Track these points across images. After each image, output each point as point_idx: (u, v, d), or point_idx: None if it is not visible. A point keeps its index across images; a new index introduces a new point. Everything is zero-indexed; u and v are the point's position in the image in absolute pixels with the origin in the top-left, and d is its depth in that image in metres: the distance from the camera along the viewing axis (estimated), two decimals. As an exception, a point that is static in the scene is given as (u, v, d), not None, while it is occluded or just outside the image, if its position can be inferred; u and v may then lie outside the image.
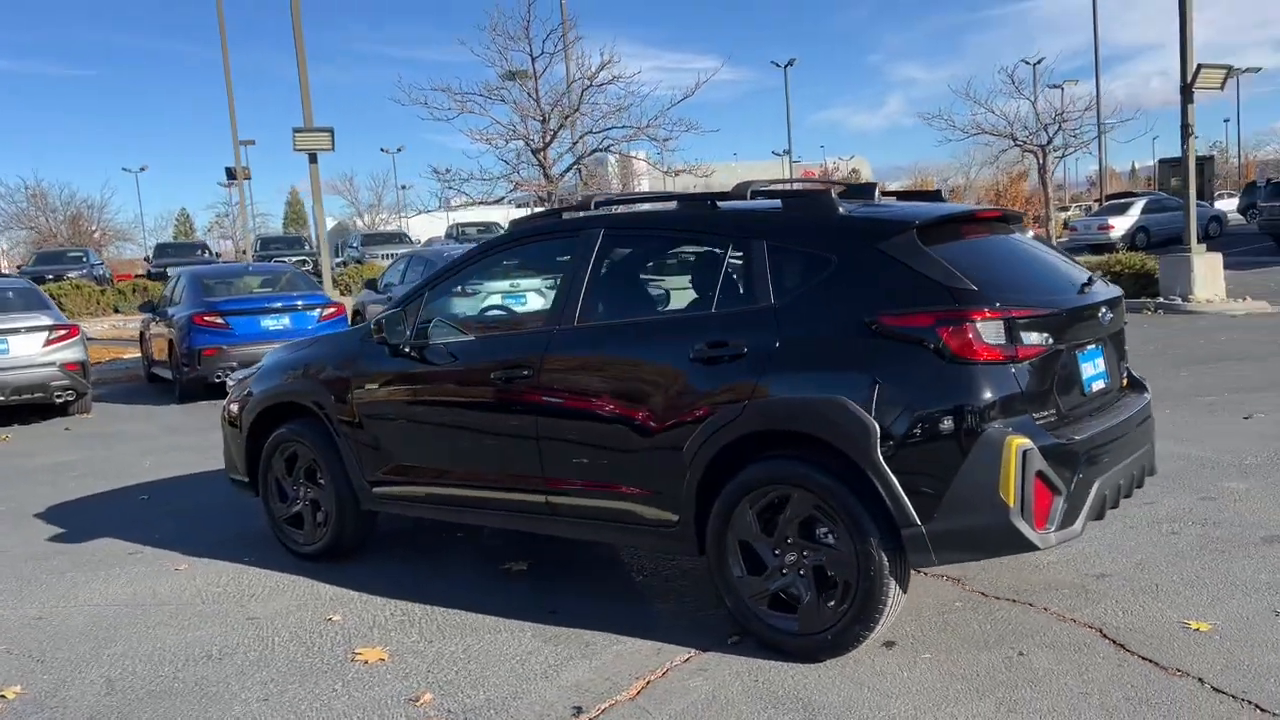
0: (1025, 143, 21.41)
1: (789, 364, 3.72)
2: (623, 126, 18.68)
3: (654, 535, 4.20)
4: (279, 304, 12.82)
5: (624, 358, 4.20)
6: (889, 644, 3.86)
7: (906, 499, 3.46)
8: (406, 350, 4.87)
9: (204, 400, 12.26)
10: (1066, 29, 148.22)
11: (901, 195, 4.62)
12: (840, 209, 3.95)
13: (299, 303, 12.94)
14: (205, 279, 13.67)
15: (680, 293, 4.40)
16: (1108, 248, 24.84)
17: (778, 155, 67.04)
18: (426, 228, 58.89)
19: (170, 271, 19.58)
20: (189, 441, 9.61)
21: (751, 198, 4.29)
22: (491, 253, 5.04)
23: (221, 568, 5.45)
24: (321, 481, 5.34)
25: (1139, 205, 34.80)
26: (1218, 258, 16.99)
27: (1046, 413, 3.61)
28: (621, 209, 4.67)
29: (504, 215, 51.43)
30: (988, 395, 3.44)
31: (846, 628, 3.65)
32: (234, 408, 5.83)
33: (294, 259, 32.81)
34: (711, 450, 3.86)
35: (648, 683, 3.70)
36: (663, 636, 4.10)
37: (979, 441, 3.42)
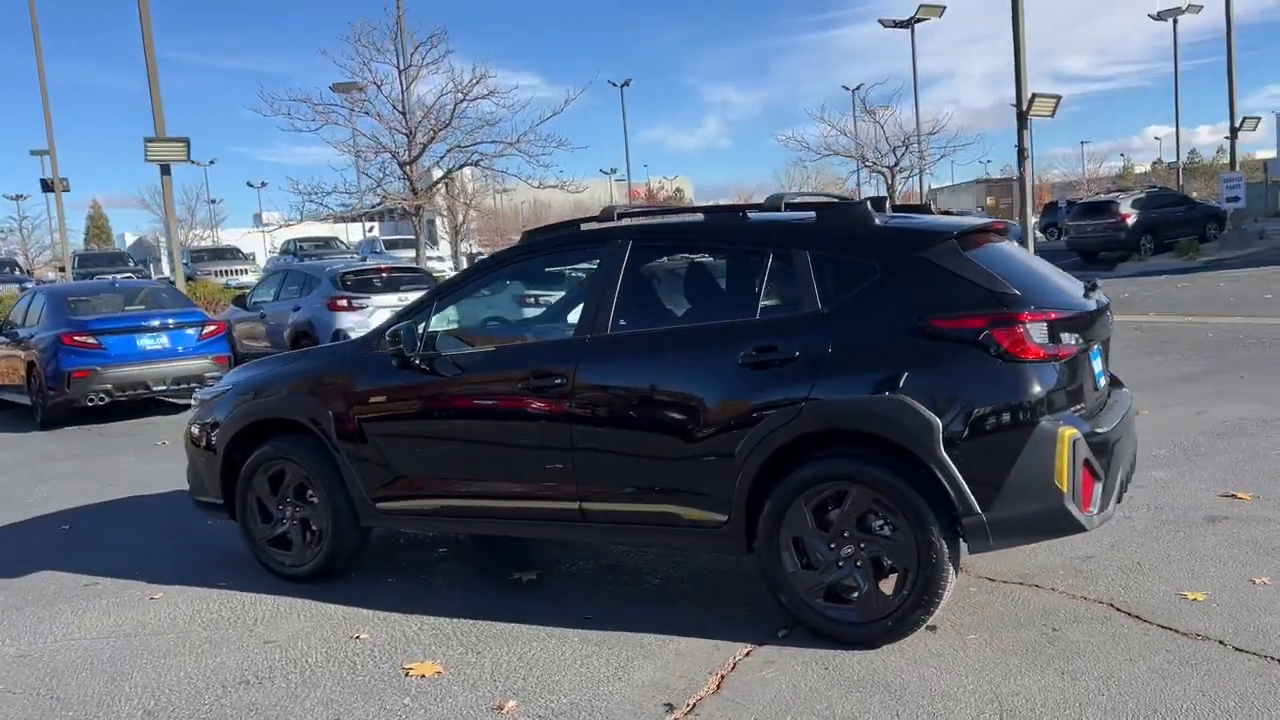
0: (874, 164, 22.67)
1: (842, 366, 3.93)
2: (493, 141, 18.64)
3: (696, 536, 4.32)
4: (155, 322, 12.14)
5: (666, 365, 4.31)
6: (932, 628, 4.11)
7: (968, 489, 3.73)
8: (417, 362, 4.82)
9: (72, 426, 11.54)
10: (866, 59, 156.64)
11: (897, 209, 4.91)
12: (877, 220, 4.20)
13: (174, 320, 12.30)
14: (68, 297, 12.81)
15: (712, 301, 4.53)
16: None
17: (605, 174, 68.05)
18: (250, 243, 56.67)
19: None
20: (76, 468, 9.09)
21: (785, 209, 4.49)
22: (503, 264, 5.05)
23: (203, 594, 5.21)
24: (313, 499, 5.20)
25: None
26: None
27: (1079, 407, 3.96)
28: (649, 220, 4.80)
29: (341, 230, 50.14)
30: (1038, 391, 3.75)
31: (907, 614, 3.88)
32: (200, 428, 5.59)
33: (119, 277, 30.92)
34: (766, 451, 4.02)
35: (722, 677, 3.82)
36: (711, 634, 4.22)
37: (1034, 433, 3.72)
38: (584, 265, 4.85)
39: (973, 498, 3.73)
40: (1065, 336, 3.91)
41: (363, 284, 13.73)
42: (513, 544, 5.71)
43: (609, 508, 4.45)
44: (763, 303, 4.22)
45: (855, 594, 3.99)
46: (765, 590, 4.21)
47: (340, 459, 5.06)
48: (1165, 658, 3.74)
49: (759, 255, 4.29)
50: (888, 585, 3.99)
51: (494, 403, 4.70)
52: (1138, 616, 4.13)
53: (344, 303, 13.34)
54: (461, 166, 19.82)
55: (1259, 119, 37.76)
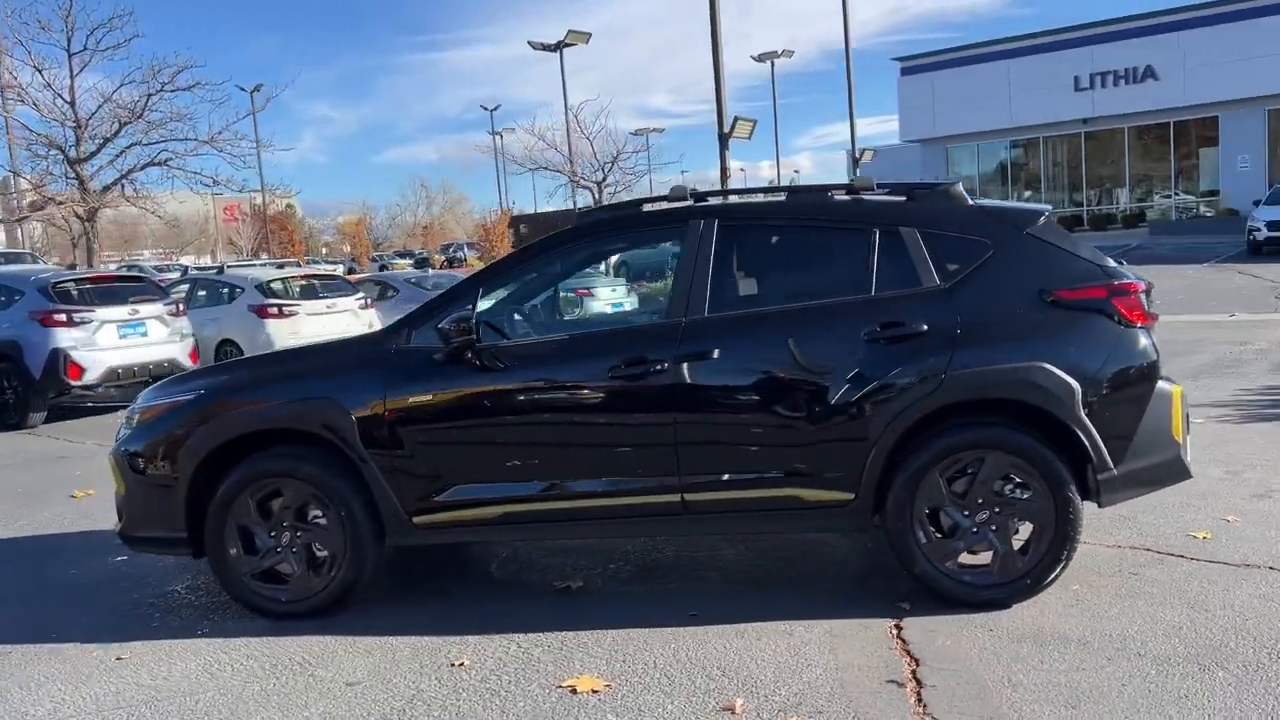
0: (582, 179, 23.14)
1: (977, 338, 4.09)
2: (185, 139, 16.76)
3: (820, 517, 4.29)
4: None
5: (783, 345, 4.23)
6: (1034, 584, 4.37)
7: (1104, 447, 4.03)
8: (469, 356, 4.34)
9: None
10: (472, 83, 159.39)
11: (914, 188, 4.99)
12: (970, 201, 4.42)
13: None
14: None
15: (816, 281, 4.48)
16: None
17: (207, 186, 63.42)
18: None
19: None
20: None
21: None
22: (557, 248, 4.65)
23: (189, 646, 4.34)
24: (321, 520, 4.50)
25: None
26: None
27: None
28: (732, 200, 4.66)
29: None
30: (1153, 353, 4.15)
31: (1046, 570, 4.11)
32: (147, 447, 4.63)
33: None
34: (904, 425, 4.09)
35: (909, 653, 3.82)
36: (837, 614, 4.19)
37: (1156, 392, 4.11)
38: (667, 247, 4.60)
39: (1108, 455, 4.04)
40: (1151, 304, 4.34)
41: (82, 294, 11.85)
42: (525, 552, 5.29)
43: (718, 497, 4.28)
44: (877, 280, 4.27)
45: (991, 557, 4.15)
46: (832, 570, 4.28)
47: (368, 471, 4.42)
48: (1230, 580, 4.29)
49: (865, 234, 4.34)
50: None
51: (575, 395, 4.34)
52: (1180, 555, 4.67)
53: (61, 317, 11.43)
54: (145, 166, 17.61)
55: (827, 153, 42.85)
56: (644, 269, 17.82)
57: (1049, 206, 4.53)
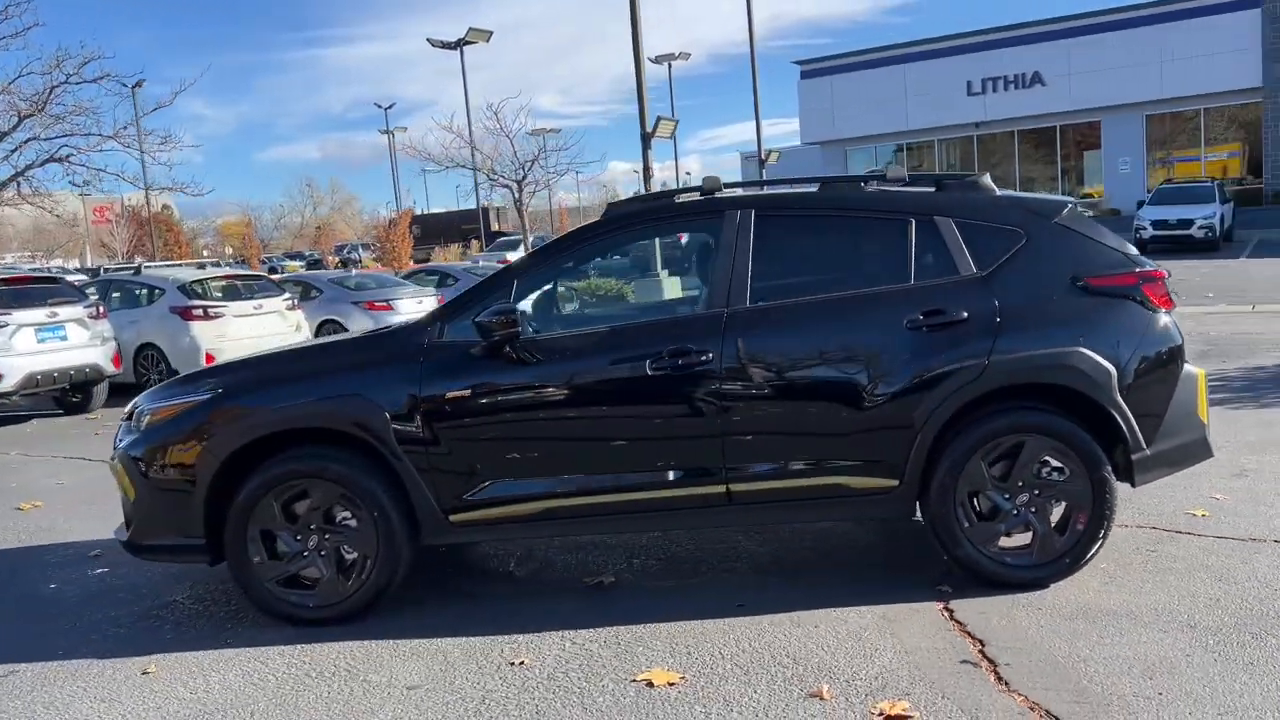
0: (500, 177, 22.89)
1: (1017, 324, 4.20)
2: (88, 134, 15.97)
3: (864, 505, 4.33)
4: None
5: (827, 334, 4.27)
6: (1062, 564, 4.50)
7: (1138, 428, 4.18)
8: (508, 349, 4.26)
9: None
10: (355, 80, 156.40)
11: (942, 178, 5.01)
12: (997, 191, 4.53)
13: None
14: None
15: (853, 269, 4.51)
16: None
17: (76, 186, 60.77)
18: None
19: None
20: None
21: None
22: (589, 240, 4.59)
23: (225, 656, 4.15)
24: (351, 521, 4.36)
25: (530, 241, 39.09)
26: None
27: None
28: (769, 191, 4.67)
29: None
30: (1178, 337, 4.32)
31: (1085, 549, 4.23)
32: (157, 451, 4.41)
33: None
34: (949, 411, 4.17)
35: (969, 633, 3.89)
36: (885, 600, 4.24)
37: (1183, 374, 4.28)
38: (703, 238, 4.57)
39: (1141, 436, 4.19)
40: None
41: (-5, 297, 11.17)
42: (542, 549, 5.20)
43: (763, 487, 4.28)
44: (915, 268, 4.34)
45: (1030, 538, 4.26)
46: (853, 557, 4.36)
47: (404, 469, 4.29)
48: (1245, 553, 4.50)
49: (901, 223, 4.40)
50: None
51: (617, 387, 4.29)
52: (1188, 532, 4.87)
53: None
54: (44, 162, 16.69)
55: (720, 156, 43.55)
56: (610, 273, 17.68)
57: (1072, 198, 4.67)
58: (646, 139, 19.74)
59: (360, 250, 53.36)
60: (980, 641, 3.80)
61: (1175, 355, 4.29)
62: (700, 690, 3.54)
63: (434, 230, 57.66)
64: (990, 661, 3.62)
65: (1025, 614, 4.02)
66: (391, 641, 4.17)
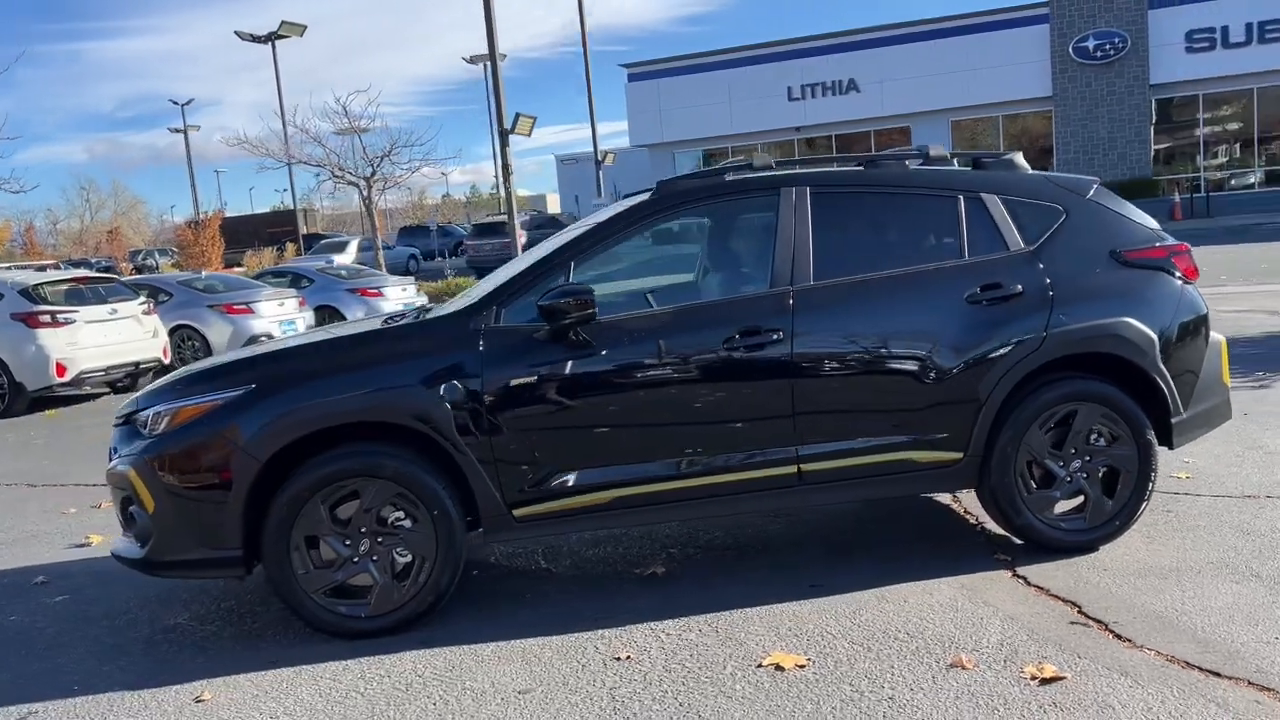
0: (345, 173, 21.79)
1: (1069, 297, 4.34)
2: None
3: (930, 478, 4.38)
4: None
5: (894, 310, 4.29)
6: (1096, 528, 4.69)
7: (1177, 393, 4.41)
8: (573, 333, 4.08)
9: None
10: (123, 76, 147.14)
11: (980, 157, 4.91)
12: (1029, 169, 4.68)
13: None
14: None
15: (906, 246, 4.53)
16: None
17: None
18: None
19: None
20: None
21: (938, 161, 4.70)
22: (647, 217, 4.41)
23: (282, 677, 3.77)
24: (406, 523, 4.05)
25: (354, 243, 37.85)
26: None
27: None
28: (824, 168, 4.63)
29: None
30: (1204, 307, 4.58)
31: (1132, 511, 4.42)
32: (183, 454, 3.97)
33: None
34: (1011, 382, 4.27)
35: (1054, 597, 3.99)
36: (951, 572, 4.30)
37: (1210, 341, 4.54)
38: (757, 216, 4.47)
39: (1179, 400, 4.42)
40: (1192, 263, 4.77)
41: None
42: (545, 547, 4.99)
43: (834, 465, 4.26)
44: (968, 244, 4.42)
45: (1082, 503, 4.41)
46: (890, 534, 4.56)
47: (466, 462, 4.03)
48: (1250, 509, 4.83)
49: (952, 200, 4.47)
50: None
51: (688, 369, 4.17)
52: (1187, 493, 5.17)
53: None
54: None
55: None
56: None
57: (1097, 177, 4.87)
58: (504, 135, 19.45)
59: (157, 256, 50.06)
60: (1073, 604, 3.90)
61: (1203, 323, 4.55)
62: (836, 670, 3.48)
63: (238, 234, 54.79)
64: (1098, 621, 3.72)
65: (1095, 575, 4.17)
66: (464, 647, 3.90)
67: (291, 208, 46.29)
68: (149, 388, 4.39)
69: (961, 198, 4.48)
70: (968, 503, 5.20)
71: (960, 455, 4.31)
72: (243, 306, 14.55)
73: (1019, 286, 4.33)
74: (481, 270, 33.56)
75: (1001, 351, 4.27)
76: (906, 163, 4.67)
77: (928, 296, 4.34)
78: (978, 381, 4.26)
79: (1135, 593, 3.96)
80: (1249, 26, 32.70)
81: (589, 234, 4.36)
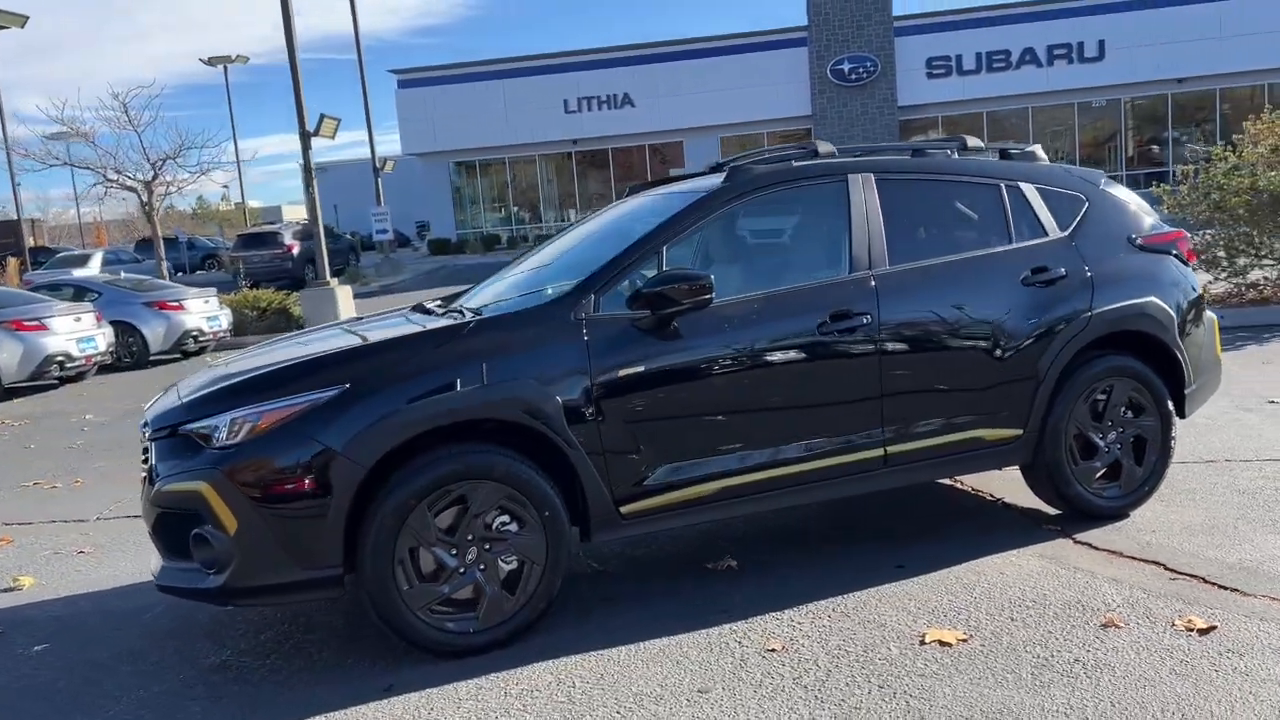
0: (120, 176, 19.56)
1: (1104, 280, 4.64)
2: None
3: (993, 456, 4.54)
4: None
5: (962, 292, 4.43)
6: (1110, 496, 5.03)
7: (1189, 366, 4.82)
8: (676, 321, 3.96)
9: None
10: None
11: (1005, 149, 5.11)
12: (1049, 160, 4.98)
13: None
14: None
15: (960, 231, 4.65)
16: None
17: None
18: None
19: None
20: None
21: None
22: (729, 202, 4.29)
23: (428, 700, 3.40)
24: (512, 527, 3.78)
25: (98, 257, 34.68)
26: (349, 290, 18.95)
27: None
28: (883, 156, 4.67)
29: None
30: (1200, 288, 5.01)
31: (1157, 478, 4.78)
32: (268, 468, 3.51)
33: None
34: (1065, 360, 4.52)
35: (1134, 558, 4.24)
36: (1020, 544, 4.48)
37: (1207, 317, 4.98)
38: (826, 202, 4.46)
39: (1190, 373, 4.83)
40: (1188, 250, 5.21)
41: None
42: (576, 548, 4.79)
43: (917, 446, 4.35)
44: (1014, 230, 4.63)
45: (1119, 471, 4.72)
46: (918, 516, 4.84)
47: (579, 458, 3.80)
48: (1225, 472, 5.34)
49: (995, 188, 4.68)
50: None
51: (788, 355, 4.13)
52: (1177, 461, 5.57)
53: None
54: None
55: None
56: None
57: (1103, 170, 5.23)
58: (307, 138, 18.45)
59: None
60: (1156, 563, 4.16)
61: (1202, 301, 4.99)
62: (1000, 640, 3.54)
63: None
64: (1193, 576, 4.00)
65: (1147, 537, 4.47)
66: (596, 654, 3.67)
67: (15, 218, 41.67)
68: (195, 394, 3.84)
69: (1003, 185, 4.70)
70: (971, 483, 5.43)
71: (1020, 431, 4.51)
72: (35, 323, 12.96)
73: (1062, 270, 4.58)
74: (254, 283, 31.53)
75: (1055, 330, 4.50)
76: (948, 152, 4.84)
77: (990, 279, 4.51)
78: (1036, 359, 4.47)
79: (1199, 549, 4.28)
80: (979, 56, 36.12)
81: (671, 221, 4.21)
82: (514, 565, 3.79)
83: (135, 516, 6.10)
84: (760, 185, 4.38)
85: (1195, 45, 34.10)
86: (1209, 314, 5.07)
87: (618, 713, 3.23)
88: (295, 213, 65.88)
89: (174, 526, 3.69)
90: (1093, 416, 4.65)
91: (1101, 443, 4.68)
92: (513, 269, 5.25)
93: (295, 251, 32.02)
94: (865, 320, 4.21)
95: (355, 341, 4.09)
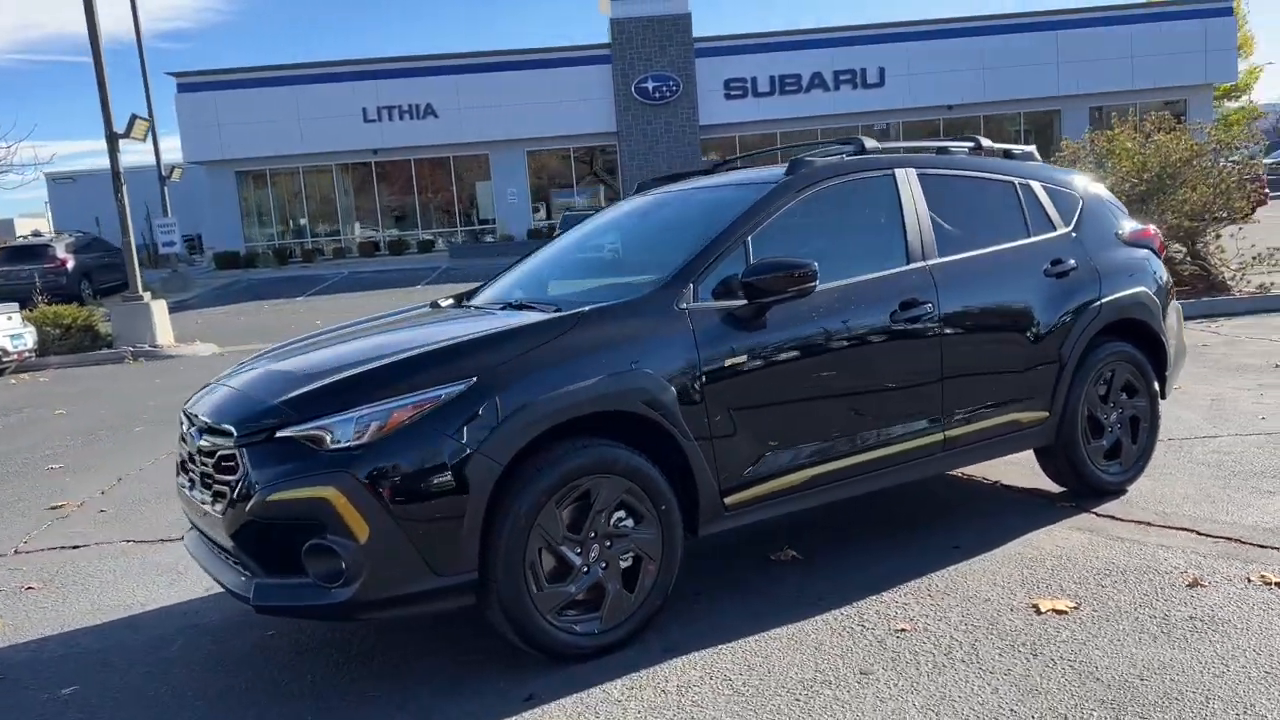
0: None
1: (1106, 271, 5.00)
2: None
3: (1027, 437, 4.78)
4: None
5: (1002, 281, 4.68)
6: (1096, 474, 5.42)
7: (1169, 350, 5.26)
8: (769, 312, 3.97)
9: None
10: None
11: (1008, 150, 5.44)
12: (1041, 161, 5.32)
13: None
14: None
15: (985, 225, 4.83)
16: None
17: None
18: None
19: None
20: None
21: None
22: (797, 193, 4.30)
23: (576, 705, 3.22)
24: (628, 523, 3.67)
25: None
26: (163, 304, 17.57)
27: None
28: (920, 153, 4.80)
29: None
30: (1169, 278, 5.48)
31: (1148, 455, 5.18)
32: (402, 469, 3.24)
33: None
34: (1084, 344, 4.84)
35: (1171, 527, 4.58)
36: (1048, 521, 4.75)
37: (1175, 305, 5.44)
38: (877, 195, 4.54)
39: (1171, 353, 5.28)
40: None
41: None
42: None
43: (967, 430, 4.53)
44: (1030, 225, 4.92)
45: (1119, 449, 5.09)
46: (932, 505, 5.12)
47: (692, 450, 3.73)
48: (1191, 448, 5.86)
49: (1010, 185, 4.95)
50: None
51: (867, 342, 4.21)
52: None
53: None
54: None
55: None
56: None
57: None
58: (115, 139, 17.02)
59: None
60: (1187, 530, 4.51)
61: (1171, 289, 5.45)
62: (1108, 605, 3.74)
63: None
64: (1230, 539, 4.35)
65: (1160, 506, 4.84)
66: (731, 644, 3.60)
67: None
68: (293, 392, 3.47)
69: (1017, 183, 4.99)
70: (964, 470, 5.68)
71: (1047, 414, 4.78)
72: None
73: (1073, 262, 4.91)
74: (21, 299, 28.61)
75: (1074, 317, 4.81)
76: (966, 151, 5.08)
77: (1021, 269, 4.77)
78: (1060, 344, 4.76)
79: (1211, 514, 4.68)
80: (773, 79, 37.78)
81: (750, 212, 4.18)
82: (629, 563, 3.66)
83: (59, 547, 5.47)
84: (822, 178, 4.44)
85: (963, 75, 37.12)
86: (1175, 303, 5.55)
87: (799, 698, 3.18)
88: (29, 225, 60.12)
89: (277, 539, 3.32)
90: (1100, 398, 4.99)
91: (1107, 423, 5.03)
92: (529, 263, 5.13)
93: (69, 266, 29.47)
94: (929, 308, 4.35)
95: (447, 334, 3.82)
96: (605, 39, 37.43)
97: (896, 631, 3.64)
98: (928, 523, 4.88)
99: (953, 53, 37.18)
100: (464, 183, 39.69)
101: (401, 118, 37.63)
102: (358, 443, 3.26)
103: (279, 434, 3.35)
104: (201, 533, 3.86)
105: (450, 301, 5.02)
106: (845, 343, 4.15)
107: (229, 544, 3.47)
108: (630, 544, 3.64)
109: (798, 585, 4.17)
